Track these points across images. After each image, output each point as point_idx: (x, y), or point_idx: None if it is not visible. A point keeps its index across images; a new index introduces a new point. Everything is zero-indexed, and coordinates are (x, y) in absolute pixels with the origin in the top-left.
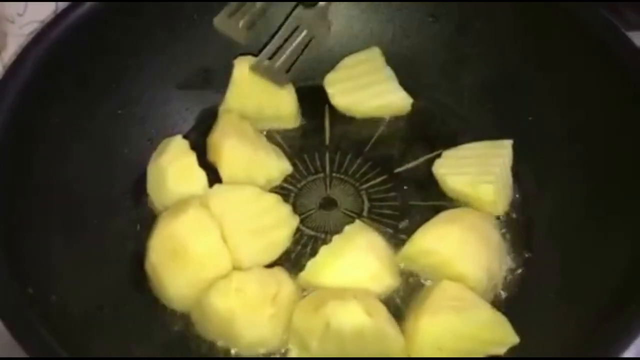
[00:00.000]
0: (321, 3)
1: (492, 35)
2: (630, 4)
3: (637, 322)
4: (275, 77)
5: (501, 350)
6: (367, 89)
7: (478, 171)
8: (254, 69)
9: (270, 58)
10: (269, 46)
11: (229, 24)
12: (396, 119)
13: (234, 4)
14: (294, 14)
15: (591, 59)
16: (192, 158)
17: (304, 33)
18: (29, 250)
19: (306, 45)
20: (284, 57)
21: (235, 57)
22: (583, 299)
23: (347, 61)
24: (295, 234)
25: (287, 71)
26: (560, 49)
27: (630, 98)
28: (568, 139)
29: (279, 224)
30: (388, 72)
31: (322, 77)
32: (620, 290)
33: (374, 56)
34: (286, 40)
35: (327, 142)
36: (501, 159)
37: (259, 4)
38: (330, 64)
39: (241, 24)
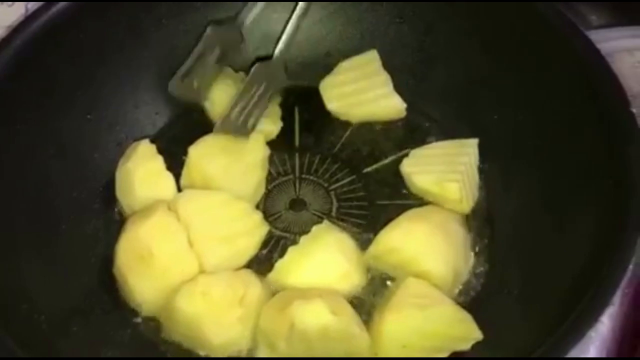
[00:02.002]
0: (276, 55)
1: (457, 35)
2: (590, 3)
3: (587, 320)
4: (239, 131)
5: (465, 347)
6: (362, 94)
7: (444, 170)
8: (219, 128)
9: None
10: (232, 105)
11: (183, 87)
12: None
13: (184, 67)
14: (252, 70)
15: (553, 58)
16: (159, 162)
17: (262, 86)
18: None
19: (268, 99)
20: (245, 112)
21: None
22: (543, 296)
23: (343, 65)
24: None
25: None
26: (523, 49)
27: (590, 96)
28: (532, 137)
29: (248, 232)
30: (384, 76)
31: (295, 79)
32: (577, 288)
33: (370, 60)
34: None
35: (297, 143)
36: (467, 158)
37: (210, 63)
38: (314, 66)
39: (195, 84)
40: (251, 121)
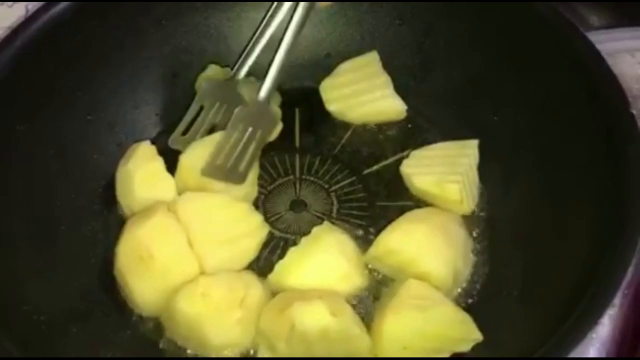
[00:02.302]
0: (260, 97)
1: (456, 37)
2: (590, 4)
3: (587, 321)
4: (229, 177)
5: (465, 348)
6: (362, 96)
7: (444, 171)
8: (205, 173)
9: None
10: (215, 151)
11: (184, 141)
12: None
13: (184, 122)
14: (235, 113)
15: (553, 59)
16: (159, 163)
17: (249, 131)
18: None
19: (257, 141)
20: (234, 156)
21: (204, 65)
22: (544, 297)
23: (343, 67)
24: None
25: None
26: (523, 50)
27: (590, 97)
28: (532, 138)
29: (248, 234)
30: (384, 78)
31: (295, 80)
32: (577, 289)
33: (370, 61)
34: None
35: (297, 144)
36: (467, 159)
37: (207, 120)
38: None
39: (198, 137)
40: (242, 165)
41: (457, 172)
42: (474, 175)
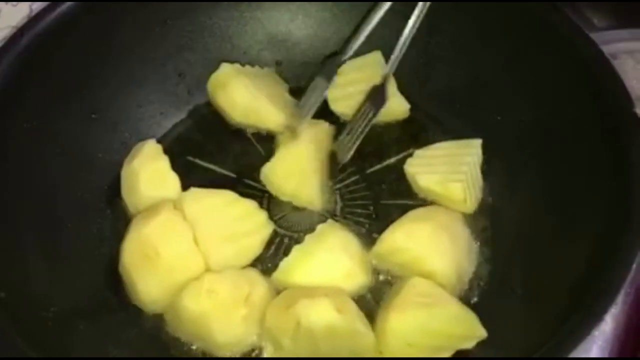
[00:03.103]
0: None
1: (460, 37)
2: (594, 5)
3: (590, 319)
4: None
5: (469, 345)
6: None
7: (448, 170)
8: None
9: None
10: (345, 131)
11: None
12: None
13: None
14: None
15: (556, 59)
16: (164, 162)
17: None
18: (1, 253)
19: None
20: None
21: (209, 64)
22: (547, 296)
23: (348, 66)
24: None
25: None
26: (527, 51)
27: (594, 98)
28: (536, 138)
29: (253, 231)
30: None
31: (300, 79)
32: (581, 288)
33: (374, 61)
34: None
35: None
36: (471, 158)
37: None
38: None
39: (351, 147)
40: (351, 145)
41: (460, 171)
42: (477, 174)
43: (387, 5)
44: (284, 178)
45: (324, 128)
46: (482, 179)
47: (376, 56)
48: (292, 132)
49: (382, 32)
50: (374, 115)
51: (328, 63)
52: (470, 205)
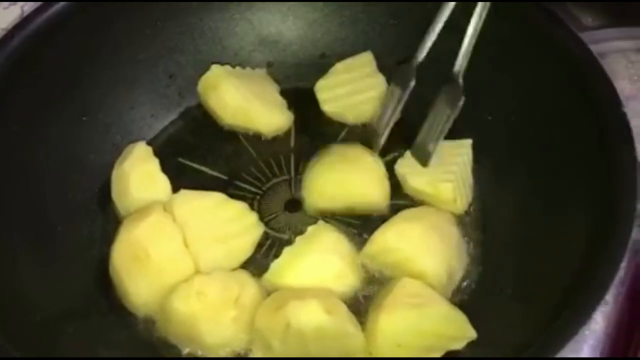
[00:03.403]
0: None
1: (450, 37)
2: (583, 5)
3: (579, 318)
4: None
5: (459, 345)
6: (356, 96)
7: (438, 170)
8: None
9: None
10: (424, 131)
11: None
12: None
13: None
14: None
15: (546, 59)
16: (155, 164)
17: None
18: None
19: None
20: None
21: (199, 65)
22: (537, 295)
23: (338, 67)
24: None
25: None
26: (516, 50)
27: (583, 97)
28: (526, 138)
29: (243, 232)
30: (378, 78)
31: (290, 80)
32: (570, 286)
33: (365, 62)
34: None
35: (293, 144)
36: (461, 158)
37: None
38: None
39: (431, 148)
40: (431, 146)
41: (450, 172)
42: (467, 175)
43: (452, 4)
44: None
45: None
46: (472, 179)
47: (366, 57)
48: (374, 148)
49: (374, 33)
50: (452, 112)
51: (400, 69)
52: (461, 206)
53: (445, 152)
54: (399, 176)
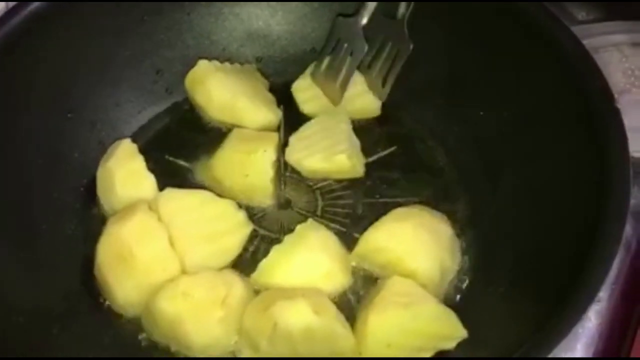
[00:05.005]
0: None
1: (440, 33)
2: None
3: (572, 316)
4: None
5: (450, 345)
6: None
7: (328, 145)
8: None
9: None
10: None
11: (325, 83)
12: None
13: (326, 57)
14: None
15: (538, 53)
16: (140, 162)
17: (389, 45)
18: None
19: (394, 60)
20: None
21: (187, 61)
22: (529, 294)
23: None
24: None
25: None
26: (507, 45)
27: (575, 92)
28: (518, 133)
29: (231, 230)
30: (357, 76)
31: (279, 75)
32: (562, 285)
33: None
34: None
35: (282, 141)
36: (344, 125)
37: (345, 59)
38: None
39: (338, 82)
40: (340, 77)
41: (338, 142)
42: (354, 139)
43: None
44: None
45: None
46: (454, 172)
47: None
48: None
49: None
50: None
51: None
52: (360, 169)
53: (327, 125)
54: (294, 163)
